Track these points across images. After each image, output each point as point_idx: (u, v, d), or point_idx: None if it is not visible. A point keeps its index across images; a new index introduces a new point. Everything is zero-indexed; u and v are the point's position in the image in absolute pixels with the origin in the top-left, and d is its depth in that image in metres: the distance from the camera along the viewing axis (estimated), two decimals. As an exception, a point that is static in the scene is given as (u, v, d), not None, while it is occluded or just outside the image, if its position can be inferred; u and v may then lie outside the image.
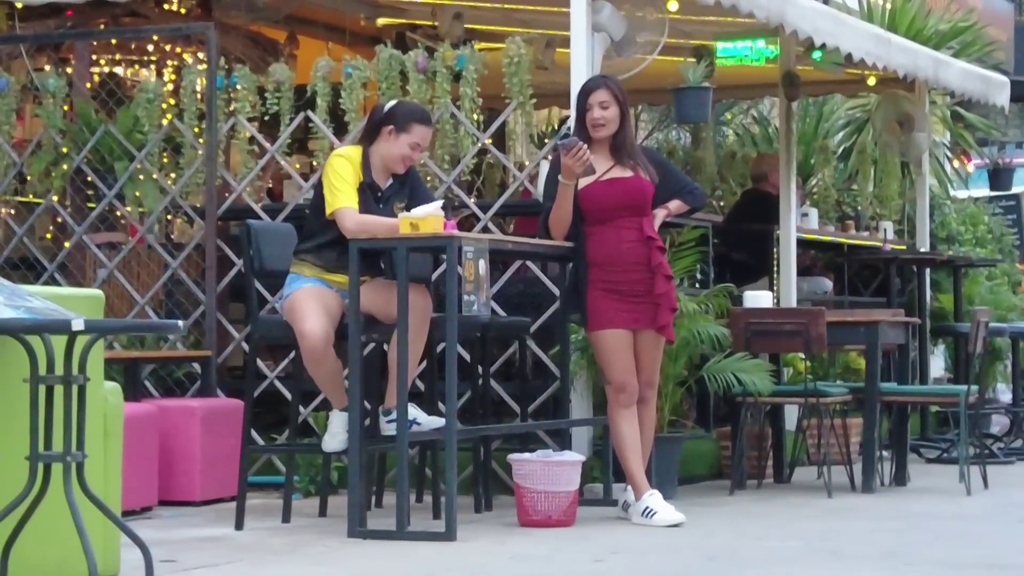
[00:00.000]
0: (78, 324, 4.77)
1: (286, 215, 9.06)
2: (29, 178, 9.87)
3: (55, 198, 9.69)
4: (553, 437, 8.36)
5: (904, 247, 12.85)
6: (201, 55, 10.66)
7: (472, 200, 9.11)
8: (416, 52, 9.05)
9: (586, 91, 7.68)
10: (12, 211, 10.22)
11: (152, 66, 11.54)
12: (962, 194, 16.19)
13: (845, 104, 15.13)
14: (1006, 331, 11.98)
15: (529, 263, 8.96)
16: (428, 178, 8.61)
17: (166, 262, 9.43)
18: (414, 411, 7.09)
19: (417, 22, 11.66)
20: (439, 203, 7.06)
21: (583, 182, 7.52)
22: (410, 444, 7.11)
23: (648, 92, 11.82)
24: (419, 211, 6.94)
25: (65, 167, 9.60)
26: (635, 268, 7.54)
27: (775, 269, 11.10)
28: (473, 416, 7.86)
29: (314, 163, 9.47)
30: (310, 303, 7.09)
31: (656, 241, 7.61)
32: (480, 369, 8.03)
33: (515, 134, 10.08)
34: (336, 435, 7.21)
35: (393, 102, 7.50)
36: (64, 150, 9.60)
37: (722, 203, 13.18)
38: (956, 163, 16.21)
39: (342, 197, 7.09)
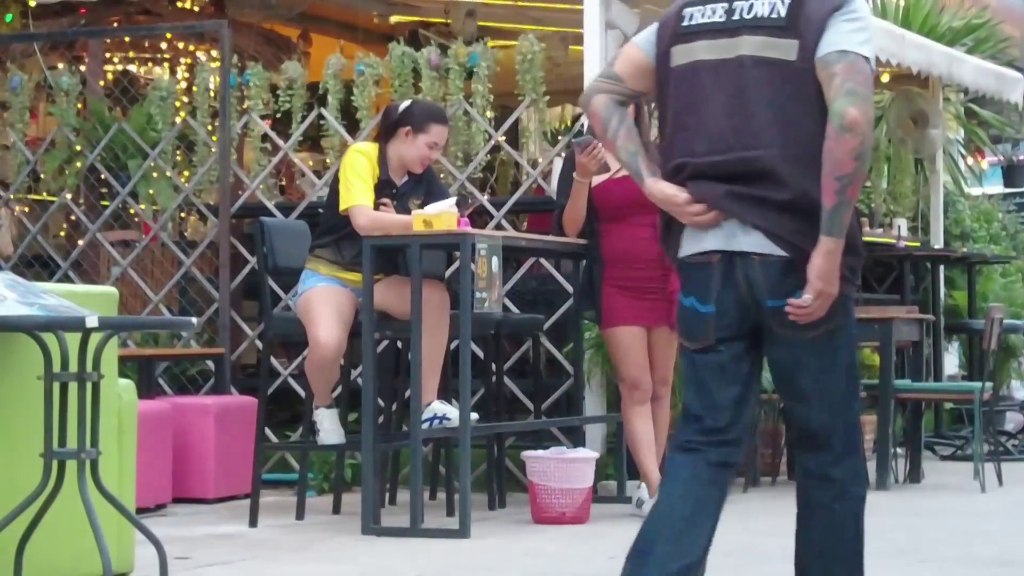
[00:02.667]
0: (92, 321, 4.78)
1: (299, 212, 9.06)
2: (43, 176, 9.90)
3: (69, 196, 9.71)
4: (567, 434, 8.36)
5: (918, 244, 12.82)
6: (214, 53, 10.68)
7: (485, 197, 9.11)
8: (429, 49, 9.05)
9: (600, 86, 7.67)
10: (26, 209, 10.24)
11: (165, 64, 11.57)
12: (976, 191, 16.15)
13: (859, 101, 15.06)
14: (1020, 328, 11.95)
15: (543, 260, 8.95)
16: (441, 175, 8.61)
17: (180, 260, 9.44)
18: (445, 407, 7.07)
19: (430, 19, 11.68)
20: (453, 200, 7.06)
21: (597, 179, 7.52)
22: (424, 441, 7.12)
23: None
24: (432, 208, 6.94)
25: (79, 165, 9.62)
26: (649, 265, 7.53)
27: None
28: (487, 413, 7.86)
29: (327, 160, 9.48)
30: (325, 307, 7.08)
31: (670, 238, 7.60)
32: (494, 366, 8.03)
33: (528, 131, 10.07)
34: (332, 431, 7.24)
35: (407, 102, 7.50)
36: (78, 148, 9.62)
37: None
38: (970, 160, 16.16)
39: (357, 194, 7.09)
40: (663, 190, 3.99)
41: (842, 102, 3.80)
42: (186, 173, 9.59)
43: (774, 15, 3.91)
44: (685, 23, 4.03)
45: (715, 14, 3.98)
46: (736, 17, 3.95)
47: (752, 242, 3.91)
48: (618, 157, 4.12)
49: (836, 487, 4.11)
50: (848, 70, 3.83)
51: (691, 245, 4.01)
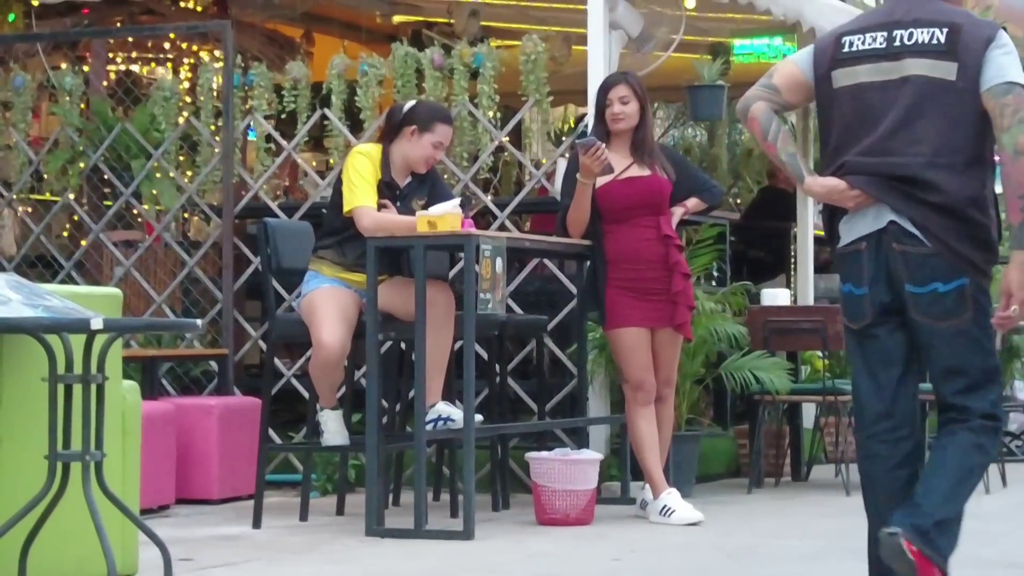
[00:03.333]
0: (97, 323, 4.77)
1: (303, 213, 9.05)
2: (46, 176, 9.89)
3: (72, 196, 9.71)
4: (570, 435, 8.35)
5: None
6: (218, 53, 10.66)
7: (489, 198, 9.10)
8: (432, 50, 9.04)
9: (606, 86, 7.68)
10: (29, 209, 10.23)
11: (169, 64, 11.56)
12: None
13: (862, 101, 15.05)
14: (1023, 328, 11.94)
15: (546, 261, 8.94)
16: (445, 176, 8.60)
17: (183, 260, 9.44)
18: (449, 408, 7.07)
19: (433, 19, 11.67)
20: (456, 201, 7.06)
21: (601, 180, 7.51)
22: (427, 442, 7.11)
23: (665, 89, 11.80)
24: (437, 209, 6.93)
25: (82, 165, 9.61)
26: (653, 266, 7.53)
27: (792, 266, 11.07)
28: (490, 414, 7.85)
29: (330, 161, 9.47)
30: (328, 308, 7.07)
31: (674, 239, 7.60)
32: (497, 367, 8.02)
33: (531, 132, 10.06)
34: (337, 432, 7.24)
35: (412, 102, 7.49)
36: (81, 148, 9.61)
37: (739, 201, 13.16)
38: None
39: (360, 195, 7.09)
40: (824, 183, 4.59)
41: (1015, 130, 4.42)
42: (189, 173, 9.59)
43: (934, 42, 4.49)
44: (845, 49, 4.61)
45: (875, 41, 4.57)
46: (897, 43, 4.53)
47: (898, 217, 4.46)
48: (778, 158, 4.70)
49: (973, 416, 4.55)
50: (1017, 101, 4.43)
51: (845, 237, 4.59)
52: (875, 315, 4.53)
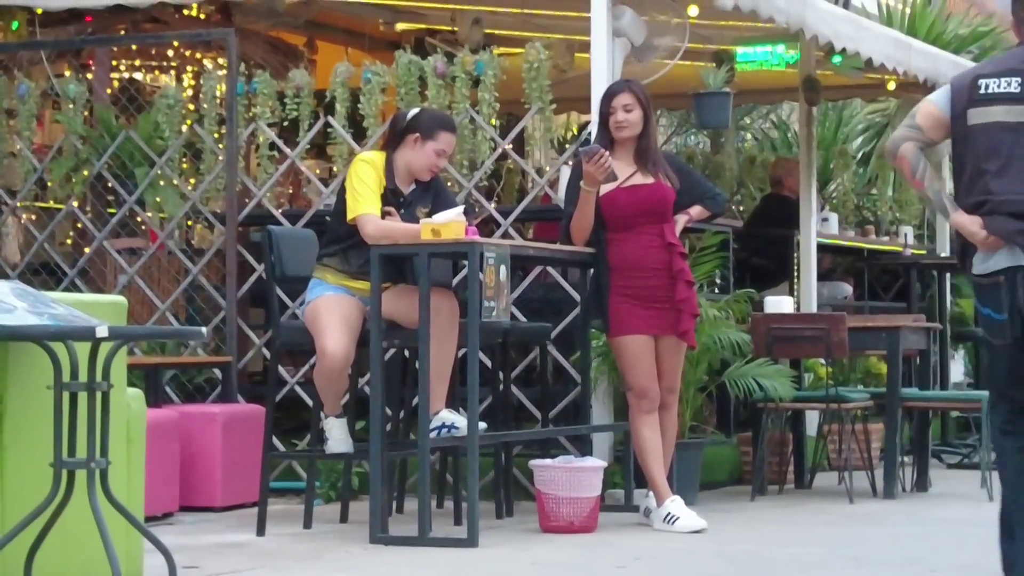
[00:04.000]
0: (102, 331, 4.78)
1: (307, 221, 9.05)
2: (50, 184, 9.89)
3: (76, 204, 9.71)
4: (574, 443, 8.35)
5: (924, 252, 12.82)
6: (221, 60, 10.66)
7: (492, 205, 9.10)
8: (435, 57, 9.05)
9: (610, 94, 7.68)
10: (33, 217, 10.23)
11: (172, 72, 11.56)
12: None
13: (865, 109, 15.09)
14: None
15: (550, 269, 8.95)
16: (448, 183, 8.61)
17: (187, 268, 9.44)
18: (453, 416, 7.07)
19: (436, 27, 11.67)
20: (460, 208, 7.07)
21: (605, 188, 7.51)
22: (431, 450, 7.11)
23: (668, 97, 11.81)
24: (441, 217, 6.94)
25: (86, 173, 9.62)
26: (656, 274, 7.53)
27: (795, 274, 11.08)
28: (494, 422, 7.86)
29: (333, 168, 9.48)
30: (332, 317, 7.08)
31: (677, 247, 7.60)
32: (501, 375, 8.03)
33: (534, 139, 10.07)
34: (341, 440, 7.25)
35: (415, 110, 7.50)
36: (84, 156, 9.62)
37: (742, 208, 13.17)
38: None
39: (364, 203, 7.10)
40: (965, 224, 5.18)
41: None
42: (193, 181, 9.59)
43: None
44: (981, 91, 5.15)
45: (1011, 85, 5.12)
46: None
47: None
48: (925, 194, 5.35)
49: None
50: None
51: (981, 265, 5.18)
52: (1014, 338, 5.11)
